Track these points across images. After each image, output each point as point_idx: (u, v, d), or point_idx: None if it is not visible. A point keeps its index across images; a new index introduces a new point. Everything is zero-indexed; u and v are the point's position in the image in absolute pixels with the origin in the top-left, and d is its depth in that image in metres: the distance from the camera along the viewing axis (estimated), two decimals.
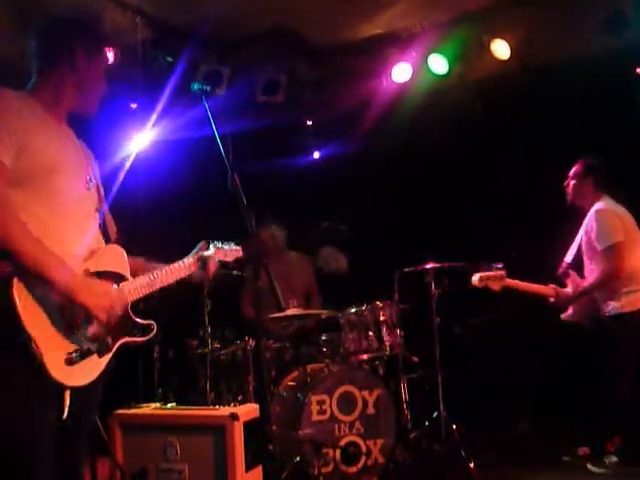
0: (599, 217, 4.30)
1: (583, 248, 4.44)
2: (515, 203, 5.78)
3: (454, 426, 4.54)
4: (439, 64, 5.26)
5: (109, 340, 2.11)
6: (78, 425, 2.11)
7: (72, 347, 1.99)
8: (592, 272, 4.38)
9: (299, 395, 4.27)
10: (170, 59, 4.86)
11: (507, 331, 5.72)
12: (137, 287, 2.27)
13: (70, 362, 1.94)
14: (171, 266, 2.46)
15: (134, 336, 2.21)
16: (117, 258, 2.29)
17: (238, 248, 2.87)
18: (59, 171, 2.12)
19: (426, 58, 5.28)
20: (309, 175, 6.56)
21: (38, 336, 1.85)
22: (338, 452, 4.21)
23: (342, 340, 4.65)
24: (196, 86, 2.40)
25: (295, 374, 4.55)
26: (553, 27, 4.80)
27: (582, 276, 4.48)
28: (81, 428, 2.17)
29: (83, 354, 1.99)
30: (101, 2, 4.46)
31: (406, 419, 4.65)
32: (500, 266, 4.42)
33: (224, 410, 3.48)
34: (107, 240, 2.34)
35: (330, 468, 4.19)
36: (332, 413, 4.28)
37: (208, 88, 2.38)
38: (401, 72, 5.39)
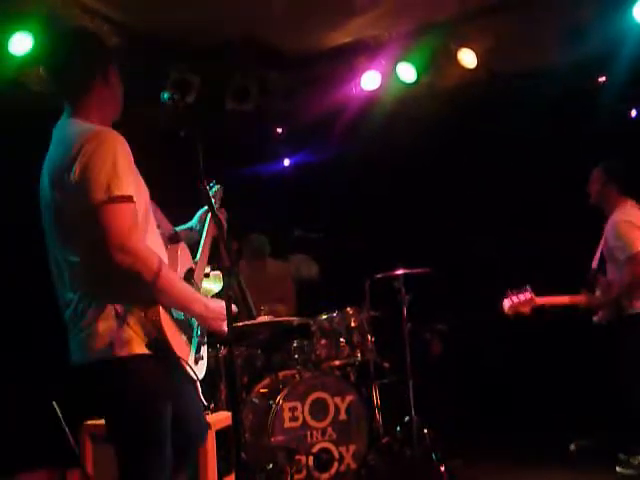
0: (617, 228, 4.24)
1: (605, 254, 4.38)
2: (482, 208, 5.87)
3: (425, 430, 4.58)
4: (408, 72, 5.31)
5: (205, 334, 2.47)
6: None
7: (193, 349, 2.38)
8: (616, 277, 4.29)
9: (271, 402, 4.27)
10: (139, 67, 4.83)
11: (477, 335, 5.79)
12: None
13: (196, 361, 2.37)
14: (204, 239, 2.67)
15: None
16: (182, 256, 2.47)
17: (219, 186, 3.00)
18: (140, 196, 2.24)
19: (395, 66, 5.33)
20: (279, 183, 6.58)
21: (177, 348, 2.24)
22: (311, 458, 4.22)
23: (314, 347, 4.67)
24: (166, 95, 2.41)
25: (267, 381, 4.56)
26: (518, 37, 4.89)
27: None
28: None
29: (198, 351, 2.40)
30: (69, 9, 4.44)
31: (378, 424, 4.69)
32: (527, 288, 4.37)
33: None
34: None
35: (303, 475, 4.20)
36: (304, 420, 4.29)
37: (177, 97, 2.39)
38: (370, 80, 5.43)
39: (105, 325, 2.15)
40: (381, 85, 5.44)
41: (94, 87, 2.30)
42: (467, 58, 5.09)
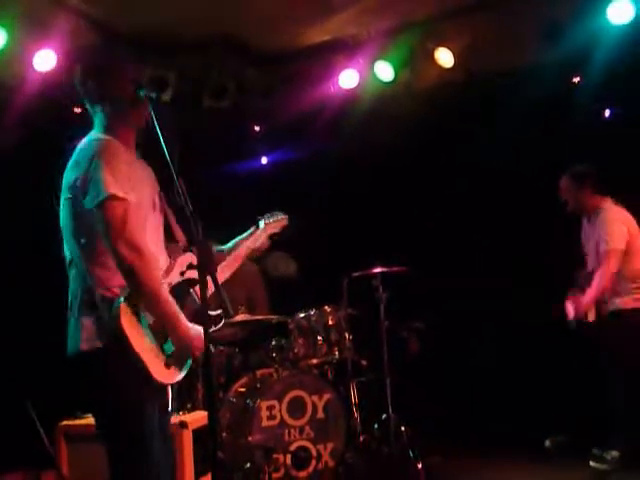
0: (605, 220, 4.34)
1: (589, 248, 4.49)
2: (460, 207, 5.90)
3: (403, 428, 4.60)
4: (385, 71, 5.32)
5: None
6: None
7: (167, 353, 2.36)
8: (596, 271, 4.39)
9: (249, 401, 4.27)
10: None
11: (455, 333, 5.82)
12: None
13: (168, 365, 2.34)
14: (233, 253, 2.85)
15: (210, 327, 2.43)
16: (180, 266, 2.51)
17: (283, 216, 3.28)
18: (142, 205, 2.40)
19: (373, 65, 5.34)
20: (257, 181, 6.56)
21: (141, 351, 2.27)
22: (289, 457, 4.23)
23: (291, 345, 4.67)
24: (142, 92, 2.38)
25: (244, 380, 4.55)
26: (495, 36, 4.92)
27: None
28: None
29: (176, 357, 2.38)
30: (44, 5, 4.38)
31: (355, 422, 4.69)
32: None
33: (173, 418, 3.45)
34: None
35: (281, 473, 4.20)
36: (282, 418, 4.29)
37: (154, 95, 2.36)
38: (348, 78, 5.43)
39: (88, 318, 2.31)
40: (359, 83, 5.44)
41: (121, 106, 2.52)
42: (444, 57, 5.11)
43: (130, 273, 2.23)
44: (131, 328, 2.25)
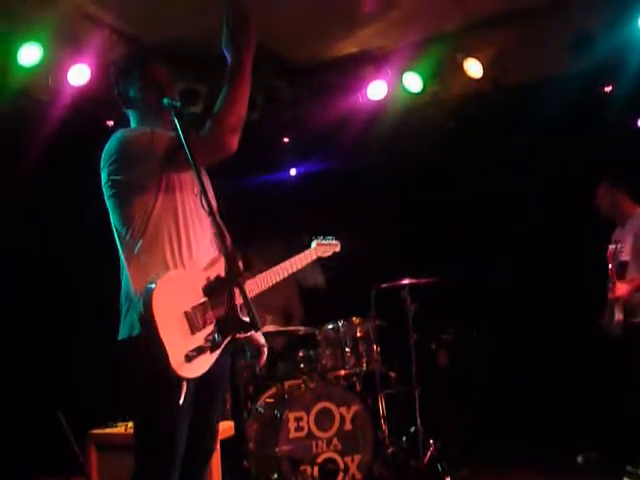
0: None
1: (632, 259, 4.36)
2: (489, 218, 5.86)
3: (431, 441, 4.56)
4: (414, 82, 5.32)
5: (219, 337, 2.40)
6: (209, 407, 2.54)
7: (192, 346, 2.32)
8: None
9: (276, 412, 4.27)
10: None
11: (483, 346, 5.77)
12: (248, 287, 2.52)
13: (189, 359, 2.29)
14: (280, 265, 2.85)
15: (239, 333, 2.41)
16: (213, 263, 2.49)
17: (336, 243, 3.31)
18: (177, 187, 2.45)
19: (401, 76, 5.35)
20: (286, 192, 6.59)
21: (167, 339, 2.25)
22: (316, 469, 4.22)
23: (319, 356, 4.67)
24: (166, 101, 2.41)
25: (272, 391, 4.56)
26: (524, 47, 4.90)
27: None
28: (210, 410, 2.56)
29: (198, 352, 2.33)
30: (77, 21, 4.48)
31: (383, 435, 4.67)
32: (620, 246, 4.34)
33: None
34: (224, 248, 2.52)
35: None
36: (309, 430, 4.29)
37: (178, 104, 2.39)
38: (376, 90, 5.44)
39: (128, 309, 2.38)
40: (387, 95, 5.45)
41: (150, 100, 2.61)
42: (473, 68, 5.10)
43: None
44: (161, 315, 2.26)
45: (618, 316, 4.30)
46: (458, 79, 5.26)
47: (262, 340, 2.85)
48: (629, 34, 4.60)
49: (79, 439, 3.47)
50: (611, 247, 4.33)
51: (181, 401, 2.28)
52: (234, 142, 2.44)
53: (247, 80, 2.50)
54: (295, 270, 2.94)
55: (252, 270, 5.34)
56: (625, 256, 4.38)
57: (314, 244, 3.23)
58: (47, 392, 4.40)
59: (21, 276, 4.85)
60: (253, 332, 2.54)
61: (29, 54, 4.41)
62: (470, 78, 5.16)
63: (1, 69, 4.44)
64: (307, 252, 3.12)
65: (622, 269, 4.34)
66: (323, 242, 3.27)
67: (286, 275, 2.87)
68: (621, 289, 4.27)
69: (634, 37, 4.60)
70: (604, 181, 4.57)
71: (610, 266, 4.32)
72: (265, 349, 2.84)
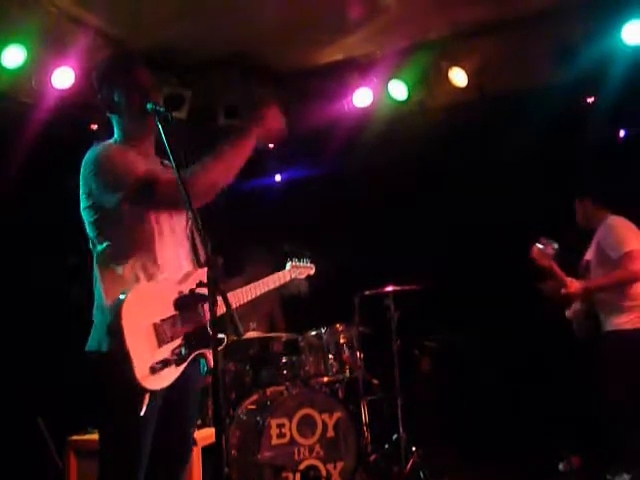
0: (613, 226, 4.31)
1: (593, 262, 4.41)
2: (473, 226, 5.89)
3: (413, 448, 4.56)
4: (399, 90, 5.34)
5: (186, 351, 2.41)
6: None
7: (157, 359, 2.33)
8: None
9: (258, 418, 4.25)
10: None
11: (467, 352, 5.79)
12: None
13: (153, 371, 2.30)
14: (255, 283, 2.86)
15: (207, 348, 2.45)
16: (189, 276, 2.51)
17: (311, 266, 3.37)
18: None
19: (386, 84, 5.36)
20: (271, 198, 6.59)
21: (133, 350, 2.27)
22: (298, 476, 4.19)
23: (302, 363, 4.66)
24: (149, 106, 2.39)
25: (255, 397, 4.54)
26: (508, 57, 4.94)
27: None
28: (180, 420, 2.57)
29: (164, 364, 2.34)
30: (62, 23, 4.45)
31: (366, 441, 4.67)
32: (555, 245, 4.46)
33: None
34: (198, 263, 2.58)
35: None
36: (292, 436, 4.27)
37: (162, 109, 2.38)
38: (362, 97, 5.46)
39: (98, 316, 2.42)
40: (373, 102, 5.47)
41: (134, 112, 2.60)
42: (458, 77, 5.13)
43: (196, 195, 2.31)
44: (130, 326, 2.27)
45: (575, 307, 4.43)
46: (443, 88, 5.29)
47: (212, 363, 2.84)
48: (612, 45, 4.65)
49: (58, 446, 3.42)
50: (537, 246, 4.46)
51: (142, 412, 2.29)
52: (202, 201, 2.43)
53: (245, 154, 2.54)
54: (266, 290, 2.95)
55: (233, 276, 5.36)
56: (588, 256, 4.46)
57: (289, 266, 3.28)
58: (27, 399, 4.34)
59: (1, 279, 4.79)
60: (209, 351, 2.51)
61: (12, 56, 4.37)
62: (455, 87, 5.19)
63: None
64: (281, 273, 3.17)
65: (587, 270, 4.42)
66: (298, 264, 3.32)
67: (258, 294, 2.88)
68: (575, 285, 4.33)
69: (617, 49, 4.65)
70: (577, 197, 4.59)
71: (545, 262, 4.42)
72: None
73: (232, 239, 5.33)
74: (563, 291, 4.37)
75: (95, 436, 3.49)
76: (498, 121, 5.51)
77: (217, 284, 2.13)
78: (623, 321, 4.16)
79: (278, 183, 6.85)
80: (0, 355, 4.54)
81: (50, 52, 4.53)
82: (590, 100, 5.33)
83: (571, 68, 4.70)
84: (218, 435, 2.14)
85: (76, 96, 4.68)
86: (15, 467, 4.32)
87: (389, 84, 5.34)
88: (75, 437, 3.51)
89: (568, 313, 4.53)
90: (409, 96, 5.36)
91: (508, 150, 5.40)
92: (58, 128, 4.86)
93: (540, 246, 4.46)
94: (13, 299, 4.79)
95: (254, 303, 5.25)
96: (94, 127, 4.99)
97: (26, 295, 4.86)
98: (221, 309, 2.28)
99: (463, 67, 5.10)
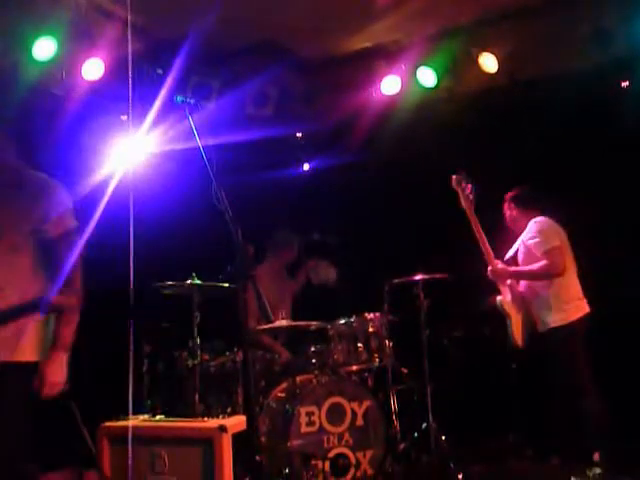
0: (537, 226, 4.55)
1: (520, 259, 4.68)
2: (503, 213, 5.81)
3: (443, 437, 4.54)
4: (428, 77, 5.29)
5: None
6: None
7: None
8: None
9: (288, 406, 4.27)
10: (160, 71, 4.87)
11: (496, 342, 5.73)
12: None
13: None
14: None
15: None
16: None
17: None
18: None
19: (415, 71, 5.32)
20: (298, 187, 6.58)
21: None
22: (327, 464, 4.21)
23: (331, 351, 4.66)
24: (179, 98, 2.42)
25: (284, 385, 4.55)
26: (540, 41, 4.86)
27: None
28: None
29: None
30: (90, 13, 4.49)
31: (395, 430, 4.66)
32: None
33: (213, 422, 3.49)
34: None
35: None
36: (321, 424, 4.28)
37: (191, 100, 2.39)
38: (390, 85, 5.42)
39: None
40: (401, 90, 5.42)
41: None
42: (488, 62, 5.06)
43: None
44: None
45: (501, 298, 4.72)
46: (473, 73, 5.22)
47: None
48: None
49: (92, 432, 3.47)
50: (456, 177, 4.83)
51: None
52: None
53: None
54: None
55: (260, 262, 5.37)
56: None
57: None
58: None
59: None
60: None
61: (43, 48, 4.43)
62: (485, 73, 5.12)
63: (16, 63, 4.46)
64: None
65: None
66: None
67: None
68: (501, 268, 4.66)
69: None
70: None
71: (469, 207, 4.79)
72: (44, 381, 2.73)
73: (261, 227, 5.37)
74: (489, 269, 4.68)
75: (126, 423, 3.56)
76: (529, 106, 5.41)
77: (246, 270, 2.14)
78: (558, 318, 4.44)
79: (306, 172, 6.83)
80: None
81: (80, 44, 4.58)
82: (625, 84, 5.21)
83: (605, 52, 4.61)
84: (250, 422, 2.14)
85: (106, 87, 4.73)
86: (49, 452, 4.41)
87: (417, 71, 5.29)
88: (108, 423, 3.56)
89: (491, 301, 4.81)
90: (438, 83, 5.30)
91: (539, 136, 5.31)
92: (89, 119, 4.91)
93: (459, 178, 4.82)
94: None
95: (281, 293, 5.33)
96: (124, 118, 5.04)
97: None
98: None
99: (493, 52, 5.04)
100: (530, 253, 4.54)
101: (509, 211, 4.87)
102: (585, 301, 4.52)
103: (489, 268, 4.69)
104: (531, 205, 4.73)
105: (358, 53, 5.31)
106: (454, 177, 4.82)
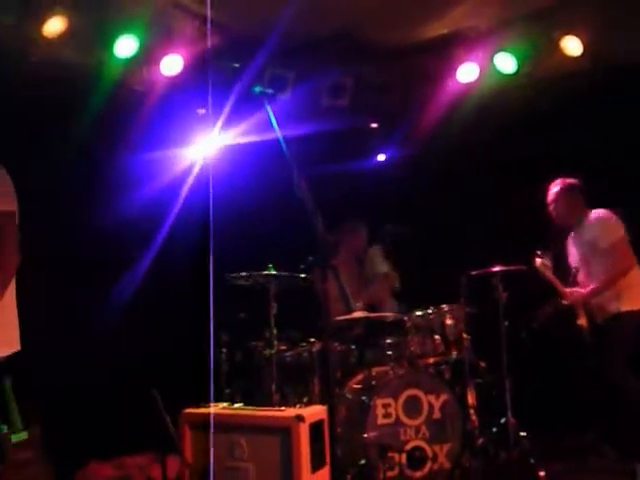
0: (601, 219, 4.60)
1: (580, 257, 4.71)
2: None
3: (523, 433, 4.44)
4: (507, 63, 5.16)
5: None
6: None
7: None
8: (595, 275, 4.63)
9: (364, 398, 4.27)
10: (236, 65, 4.95)
11: (575, 335, 5.55)
12: None
13: None
14: None
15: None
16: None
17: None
18: None
19: (493, 57, 5.19)
20: (374, 178, 6.54)
21: None
22: (404, 456, 4.18)
23: (407, 343, 4.63)
24: (257, 89, 2.43)
25: (360, 377, 4.55)
26: (627, 22, 4.64)
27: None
28: None
29: None
30: (169, 10, 4.59)
31: (473, 425, 4.58)
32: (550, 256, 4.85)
33: (290, 411, 3.52)
34: None
35: (395, 472, 4.17)
36: (397, 417, 4.26)
37: (270, 91, 2.41)
38: (467, 72, 5.31)
39: None
40: (478, 77, 5.30)
41: None
42: (571, 46, 4.89)
43: None
44: None
45: (582, 320, 4.75)
46: (554, 58, 5.05)
47: None
48: None
49: (174, 418, 3.57)
50: (538, 258, 4.86)
51: None
52: None
53: None
54: None
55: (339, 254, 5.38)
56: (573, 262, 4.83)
57: None
58: (143, 371, 4.56)
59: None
60: None
61: (125, 46, 4.56)
62: (567, 57, 4.94)
63: (99, 61, 4.62)
64: None
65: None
66: None
67: None
68: (576, 295, 4.71)
69: None
70: (561, 183, 4.90)
71: (548, 274, 4.81)
72: None
73: (335, 218, 5.37)
74: (565, 302, 4.75)
75: (207, 410, 3.64)
76: (612, 92, 5.19)
77: (329, 261, 2.13)
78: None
79: (381, 162, 6.79)
80: (121, 332, 4.79)
81: (159, 40, 4.69)
82: None
83: None
84: (329, 413, 2.14)
85: (185, 82, 4.83)
86: (132, 438, 4.57)
87: (496, 57, 5.16)
88: (189, 410, 3.65)
89: (581, 322, 4.76)
90: (518, 69, 5.15)
91: (622, 122, 5.09)
92: (167, 115, 5.04)
93: (541, 259, 4.84)
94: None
95: (355, 283, 5.31)
96: (201, 112, 5.14)
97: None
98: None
99: (577, 35, 4.85)
100: (595, 248, 4.56)
101: (565, 200, 4.83)
102: None
103: (565, 301, 4.80)
104: (584, 199, 4.75)
105: (435, 41, 5.21)
106: (538, 262, 4.86)
